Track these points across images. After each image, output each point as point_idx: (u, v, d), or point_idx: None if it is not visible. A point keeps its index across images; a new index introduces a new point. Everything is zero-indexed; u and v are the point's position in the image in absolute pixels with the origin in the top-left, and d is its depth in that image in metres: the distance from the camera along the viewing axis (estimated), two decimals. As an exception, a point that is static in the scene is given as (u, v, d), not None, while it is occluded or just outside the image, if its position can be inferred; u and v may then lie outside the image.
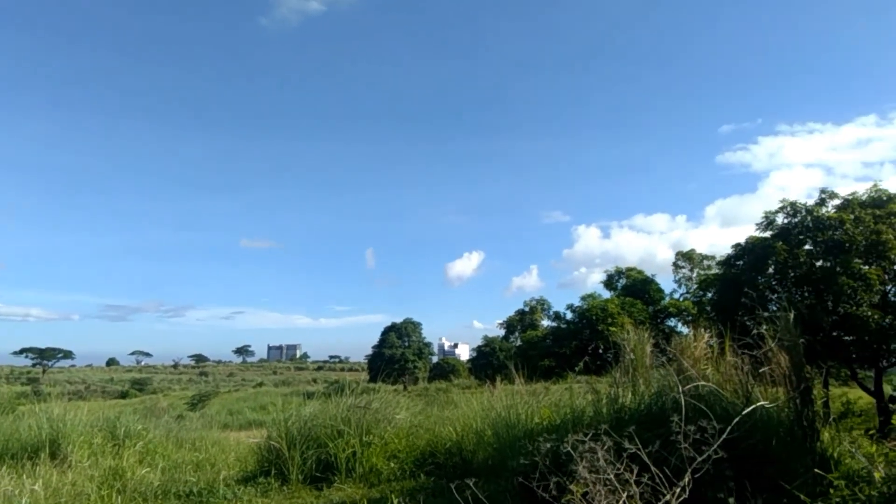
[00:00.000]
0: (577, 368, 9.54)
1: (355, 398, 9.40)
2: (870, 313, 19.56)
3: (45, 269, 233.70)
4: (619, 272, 62.09)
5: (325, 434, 8.64)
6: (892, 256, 20.31)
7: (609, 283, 62.10)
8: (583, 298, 57.05)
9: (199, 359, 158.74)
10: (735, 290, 21.71)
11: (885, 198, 21.83)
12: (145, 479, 8.11)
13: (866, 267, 20.48)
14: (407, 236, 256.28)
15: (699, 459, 4.37)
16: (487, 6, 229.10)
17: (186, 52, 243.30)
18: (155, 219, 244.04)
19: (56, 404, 10.72)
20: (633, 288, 58.04)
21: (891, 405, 17.95)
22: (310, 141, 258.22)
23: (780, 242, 21.56)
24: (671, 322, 54.47)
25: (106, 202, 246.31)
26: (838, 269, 20.34)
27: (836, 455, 5.34)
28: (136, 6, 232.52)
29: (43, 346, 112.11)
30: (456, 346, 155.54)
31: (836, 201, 22.47)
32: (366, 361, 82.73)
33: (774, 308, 18.86)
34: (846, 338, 20.69)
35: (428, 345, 78.05)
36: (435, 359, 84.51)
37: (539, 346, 55.51)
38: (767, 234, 23.06)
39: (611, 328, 44.64)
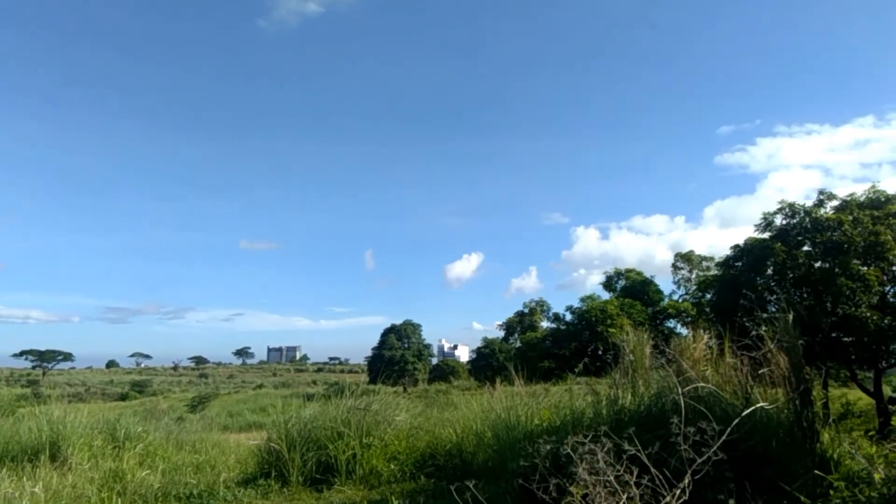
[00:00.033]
0: (576, 370, 9.54)
1: (355, 400, 9.40)
2: (869, 314, 19.58)
3: (44, 271, 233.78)
4: (619, 273, 62.21)
5: (325, 436, 8.64)
6: (891, 257, 20.34)
7: (608, 284, 62.23)
8: (582, 300, 57.25)
9: (199, 361, 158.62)
10: (734, 292, 21.74)
11: (883, 199, 21.87)
12: (145, 482, 8.10)
13: (865, 268, 20.50)
14: (406, 237, 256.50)
15: (699, 461, 4.38)
16: (487, 6, 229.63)
17: (186, 54, 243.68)
18: (154, 220, 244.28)
19: (56, 406, 10.71)
20: (633, 289, 58.12)
21: (890, 406, 17.97)
22: (309, 142, 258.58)
23: (779, 244, 21.58)
24: (670, 323, 54.57)
25: (105, 203, 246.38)
26: (837, 270, 20.37)
27: (835, 456, 5.35)
28: (136, 7, 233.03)
29: (43, 348, 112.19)
30: (455, 347, 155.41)
31: (835, 202, 22.51)
32: (365, 363, 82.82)
33: (773, 309, 18.90)
34: (845, 339, 20.70)
35: (427, 346, 78.14)
36: (434, 360, 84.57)
37: (538, 347, 55.52)
38: (766, 235, 23.09)
39: (610, 329, 44.68)
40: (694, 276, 57.63)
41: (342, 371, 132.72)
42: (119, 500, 7.48)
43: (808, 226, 21.87)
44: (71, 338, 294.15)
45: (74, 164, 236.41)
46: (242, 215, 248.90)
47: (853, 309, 19.81)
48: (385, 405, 9.61)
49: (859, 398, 21.87)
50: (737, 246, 24.22)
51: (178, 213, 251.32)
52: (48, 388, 62.74)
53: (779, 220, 23.00)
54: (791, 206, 22.71)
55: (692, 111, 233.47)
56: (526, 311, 69.78)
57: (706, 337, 7.03)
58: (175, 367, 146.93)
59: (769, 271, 22.29)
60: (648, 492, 4.26)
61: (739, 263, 23.75)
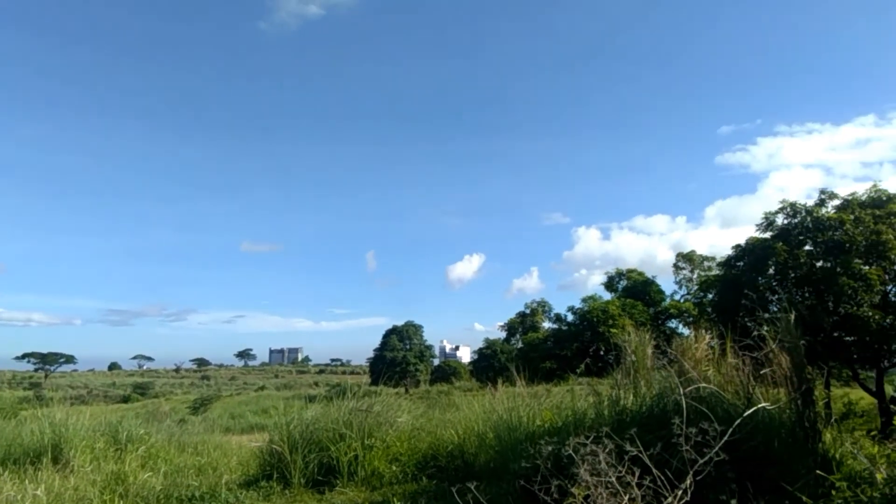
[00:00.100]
0: (578, 370, 9.52)
1: (357, 401, 9.40)
2: (870, 313, 19.55)
3: (46, 273, 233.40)
4: (620, 274, 62.24)
5: (327, 437, 8.64)
6: (893, 256, 20.31)
7: (610, 284, 62.27)
8: (583, 300, 57.34)
9: (201, 363, 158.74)
10: (735, 292, 21.72)
11: (884, 198, 21.84)
12: (147, 484, 8.11)
13: (866, 267, 20.48)
14: (407, 238, 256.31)
15: (701, 461, 4.38)
16: (486, 7, 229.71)
17: (187, 55, 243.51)
18: (155, 221, 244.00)
19: (58, 409, 10.71)
20: (634, 289, 58.13)
21: (892, 406, 17.95)
22: (310, 142, 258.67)
23: (781, 243, 21.56)
24: (672, 323, 54.59)
25: (107, 205, 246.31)
26: (839, 269, 20.34)
27: (837, 456, 5.34)
28: (136, 8, 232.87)
29: (45, 350, 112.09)
30: (457, 348, 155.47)
31: (836, 202, 22.48)
32: (367, 364, 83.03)
33: (775, 309, 18.86)
34: (847, 338, 20.68)
35: (429, 347, 78.15)
36: (436, 361, 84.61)
37: (540, 348, 55.55)
38: (767, 234, 23.07)
39: (612, 330, 44.67)
40: (695, 276, 57.68)
41: (344, 372, 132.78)
42: (121, 502, 7.49)
43: (810, 225, 21.85)
44: (73, 340, 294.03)
45: (75, 166, 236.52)
46: (243, 217, 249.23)
47: (855, 308, 19.78)
48: (387, 406, 9.61)
49: (861, 398, 21.90)
50: (738, 246, 24.21)
51: (178, 214, 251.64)
52: (50, 391, 62.85)
53: (780, 220, 22.98)
54: (792, 205, 22.69)
55: (693, 111, 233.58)
56: (527, 311, 69.82)
57: (708, 337, 7.02)
58: (177, 369, 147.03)
59: (771, 271, 22.27)
60: (650, 493, 4.26)
61: (741, 263, 23.73)
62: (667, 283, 72.20)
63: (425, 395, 40.66)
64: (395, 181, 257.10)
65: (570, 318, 56.74)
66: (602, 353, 48.06)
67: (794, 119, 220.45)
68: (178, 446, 11.50)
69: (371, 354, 76.62)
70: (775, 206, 23.17)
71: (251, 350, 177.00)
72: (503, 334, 70.96)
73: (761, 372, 6.04)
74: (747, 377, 6.11)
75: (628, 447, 4.38)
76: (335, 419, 8.96)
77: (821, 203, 22.51)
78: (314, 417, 9.22)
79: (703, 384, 5.99)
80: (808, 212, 22.20)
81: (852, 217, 21.07)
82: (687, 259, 60.74)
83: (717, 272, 30.64)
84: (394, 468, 8.35)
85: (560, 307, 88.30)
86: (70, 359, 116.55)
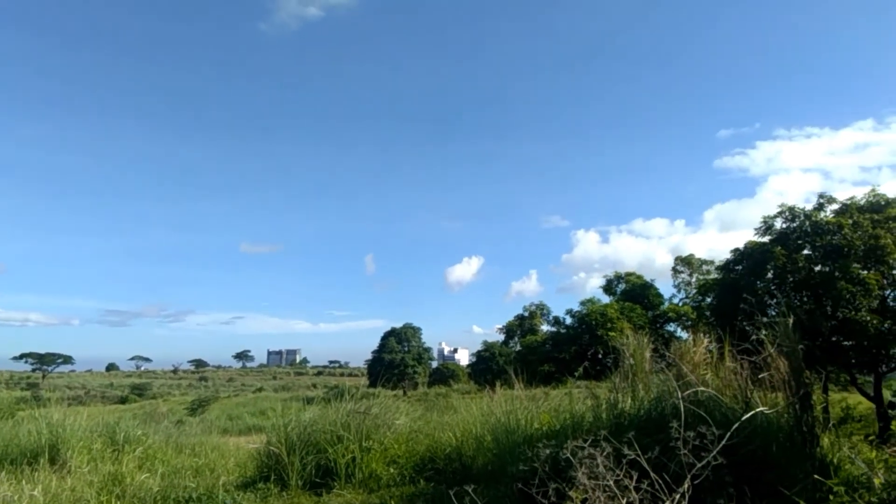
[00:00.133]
0: (576, 373, 9.56)
1: (355, 403, 9.40)
2: (869, 318, 19.55)
3: (44, 274, 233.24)
4: (619, 277, 62.25)
5: (325, 439, 8.64)
6: (891, 261, 20.31)
7: (608, 287, 62.28)
8: (582, 303, 57.15)
9: (199, 364, 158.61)
10: (734, 295, 21.72)
11: (883, 202, 21.86)
12: (145, 485, 8.10)
13: (865, 272, 20.48)
14: (406, 240, 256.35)
15: (699, 465, 4.38)
16: (486, 9, 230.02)
17: (187, 56, 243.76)
18: (154, 222, 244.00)
19: (55, 409, 10.71)
20: (633, 293, 58.12)
21: (890, 411, 17.96)
22: (309, 144, 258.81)
23: (779, 247, 21.56)
24: (670, 327, 54.48)
25: (105, 205, 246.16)
26: (837, 273, 20.34)
27: (835, 461, 5.34)
28: (136, 9, 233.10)
29: (43, 351, 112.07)
30: (455, 350, 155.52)
31: (835, 206, 22.48)
32: (365, 366, 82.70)
33: (773, 313, 18.89)
34: (845, 343, 20.66)
35: (427, 350, 78.08)
36: (434, 364, 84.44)
37: (538, 351, 55.47)
38: (766, 238, 23.06)
39: (610, 333, 44.62)
40: (694, 279, 57.66)
41: (342, 374, 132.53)
42: (118, 503, 7.48)
43: (808, 229, 21.85)
44: (71, 341, 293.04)
45: (75, 166, 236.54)
46: (242, 217, 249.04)
47: (853, 313, 19.78)
48: (385, 409, 9.60)
49: (859, 402, 21.87)
50: (737, 249, 24.19)
51: (177, 214, 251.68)
52: (48, 391, 62.74)
53: (779, 224, 22.98)
54: (791, 209, 22.70)
55: (692, 114, 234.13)
56: (526, 314, 69.74)
57: (706, 341, 7.04)
58: (175, 371, 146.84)
59: (769, 275, 22.26)
60: (648, 496, 4.26)
61: (739, 267, 23.72)
62: (665, 287, 72.43)
63: (423, 397, 40.65)
64: (394, 183, 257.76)
65: (568, 321, 56.66)
66: (600, 356, 48.08)
67: (793, 123, 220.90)
68: (175, 447, 11.49)
69: (369, 356, 76.50)
70: (774, 210, 23.17)
71: (249, 351, 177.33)
72: (501, 337, 70.93)
73: (759, 376, 6.05)
74: (745, 381, 6.11)
75: (626, 451, 4.38)
76: (333, 421, 8.96)
77: (819, 207, 22.52)
78: (312, 419, 9.21)
79: (702, 388, 5.99)
80: (807, 216, 22.20)
81: (851, 221, 21.08)
82: (685, 263, 60.72)
83: (716, 276, 30.62)
84: (391, 470, 8.34)
85: (558, 310, 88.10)
86: (68, 359, 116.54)
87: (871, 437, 6.83)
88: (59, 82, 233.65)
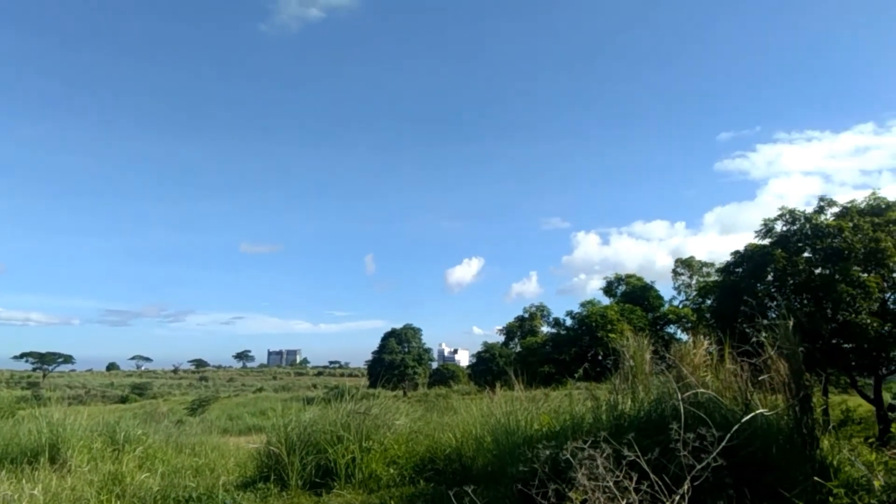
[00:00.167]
0: (576, 375, 9.56)
1: (355, 404, 9.41)
2: (869, 321, 19.55)
3: (45, 273, 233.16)
4: (619, 279, 62.25)
5: (325, 439, 8.64)
6: (891, 264, 20.32)
7: (608, 289, 62.28)
8: (582, 305, 57.18)
9: (200, 364, 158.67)
10: (734, 298, 21.70)
11: (883, 206, 21.86)
12: (145, 484, 8.10)
13: (865, 274, 20.48)
14: (406, 241, 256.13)
15: (698, 467, 4.38)
16: (486, 10, 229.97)
17: (187, 56, 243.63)
18: (154, 222, 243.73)
19: (56, 409, 10.72)
20: (633, 294, 58.11)
21: (890, 413, 17.96)
22: (310, 144, 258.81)
23: (779, 250, 21.57)
24: (670, 329, 54.51)
25: (106, 205, 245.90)
26: (837, 276, 20.34)
27: (835, 463, 5.35)
28: (137, 10, 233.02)
29: (43, 350, 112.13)
30: (456, 351, 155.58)
31: (835, 209, 22.49)
32: (366, 367, 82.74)
33: (773, 315, 18.88)
34: (845, 345, 20.66)
35: (428, 350, 78.09)
36: (435, 364, 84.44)
37: (538, 352, 55.49)
38: (766, 241, 23.07)
39: (610, 335, 44.62)
40: (694, 281, 57.74)
41: (342, 375, 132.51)
42: (118, 502, 7.48)
43: (809, 232, 21.86)
44: (71, 340, 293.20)
45: (75, 166, 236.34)
46: (242, 217, 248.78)
47: (853, 315, 19.78)
48: (385, 409, 9.61)
49: (859, 405, 21.86)
50: (737, 252, 24.20)
51: (177, 214, 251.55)
52: (48, 391, 62.75)
53: (779, 227, 22.99)
54: (791, 212, 22.71)
55: (692, 116, 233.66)
56: (526, 315, 69.73)
57: (706, 343, 7.04)
58: (175, 370, 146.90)
59: (769, 277, 22.27)
60: (648, 498, 4.27)
61: (740, 269, 23.73)
62: (665, 289, 72.50)
63: (423, 398, 40.65)
64: (394, 183, 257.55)
65: (568, 322, 56.68)
66: (600, 357, 48.06)
67: (794, 126, 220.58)
68: (175, 447, 11.49)
69: (369, 357, 76.50)
70: (774, 213, 23.17)
71: (250, 351, 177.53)
72: (502, 338, 70.86)
73: (759, 378, 6.05)
74: (745, 383, 6.12)
75: (626, 452, 4.38)
76: (333, 421, 8.97)
77: (820, 210, 22.52)
78: (312, 419, 9.22)
79: (702, 390, 5.99)
80: (807, 219, 22.21)
81: (851, 224, 21.08)
82: (686, 265, 60.78)
83: (716, 278, 30.66)
84: (391, 471, 8.35)
85: (559, 311, 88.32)
86: (68, 359, 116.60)
87: (871, 440, 6.85)
88: (59, 82, 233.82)
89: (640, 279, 61.10)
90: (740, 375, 6.22)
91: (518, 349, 64.32)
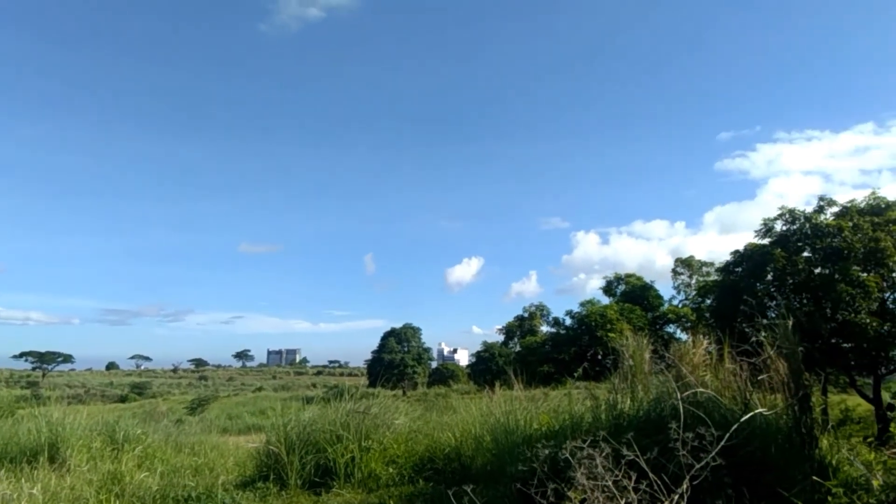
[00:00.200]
0: (575, 374, 9.58)
1: (354, 403, 9.40)
2: (868, 320, 19.55)
3: (44, 273, 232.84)
4: (618, 278, 62.30)
5: (324, 439, 8.64)
6: (891, 264, 20.32)
7: (608, 289, 62.33)
8: (582, 304, 57.27)
9: (199, 363, 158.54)
10: (734, 297, 21.70)
11: (883, 205, 21.86)
12: (144, 484, 8.10)
13: (865, 274, 20.49)
14: (406, 240, 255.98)
15: (697, 466, 4.39)
16: (486, 9, 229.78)
17: (186, 56, 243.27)
18: (154, 221, 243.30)
19: (55, 408, 10.72)
20: (632, 294, 58.15)
21: (889, 412, 17.96)
22: (310, 144, 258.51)
23: (779, 249, 21.57)
24: (670, 328, 54.55)
25: (106, 205, 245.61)
26: (837, 276, 20.34)
27: (834, 462, 5.35)
28: (136, 10, 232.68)
29: (43, 349, 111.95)
30: (455, 351, 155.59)
31: (835, 208, 22.49)
32: (365, 366, 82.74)
33: (773, 315, 18.90)
34: (844, 345, 20.66)
35: (427, 350, 78.10)
36: (434, 364, 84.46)
37: (538, 351, 55.53)
38: (766, 241, 23.06)
39: (610, 334, 44.63)
40: (694, 281, 57.73)
41: (342, 374, 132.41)
42: (117, 502, 7.48)
43: (808, 232, 21.86)
44: (71, 339, 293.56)
45: (74, 166, 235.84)
46: (242, 217, 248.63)
47: (853, 315, 19.79)
48: (384, 408, 9.61)
49: (858, 404, 21.88)
50: (737, 251, 24.19)
51: (177, 214, 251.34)
52: (48, 390, 62.67)
53: (779, 226, 22.98)
54: (791, 211, 22.70)
55: (692, 116, 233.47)
56: (526, 315, 69.81)
57: (706, 342, 7.04)
58: (175, 370, 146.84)
59: (769, 277, 22.27)
60: (647, 497, 4.27)
61: (739, 269, 23.73)
62: (665, 289, 72.57)
63: (423, 397, 40.66)
64: (394, 183, 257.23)
65: (568, 322, 56.73)
66: (600, 357, 48.10)
67: (794, 126, 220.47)
68: (174, 446, 11.49)
69: (369, 356, 76.54)
70: (774, 213, 23.14)
71: (249, 351, 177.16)
72: (501, 338, 71.00)
73: (759, 378, 6.05)
74: (745, 383, 6.12)
75: (625, 451, 4.39)
76: (332, 421, 8.96)
77: (819, 210, 22.52)
78: (311, 419, 9.21)
79: (701, 389, 5.99)
80: (807, 218, 22.21)
81: (851, 224, 21.08)
82: (685, 264, 60.77)
83: (716, 278, 30.65)
84: (391, 470, 8.34)
85: (558, 311, 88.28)
86: (68, 358, 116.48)
87: (869, 439, 6.86)
88: (59, 82, 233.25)
89: (639, 279, 61.15)
90: (739, 375, 6.23)
91: (517, 349, 64.39)
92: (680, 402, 5.35)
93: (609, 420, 6.69)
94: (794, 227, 22.45)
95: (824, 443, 5.66)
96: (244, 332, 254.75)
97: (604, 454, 4.36)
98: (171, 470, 9.30)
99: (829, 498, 4.34)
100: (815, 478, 4.77)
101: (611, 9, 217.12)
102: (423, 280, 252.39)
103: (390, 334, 74.93)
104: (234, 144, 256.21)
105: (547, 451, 4.97)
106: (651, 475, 4.32)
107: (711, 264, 53.83)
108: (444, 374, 75.25)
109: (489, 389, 10.40)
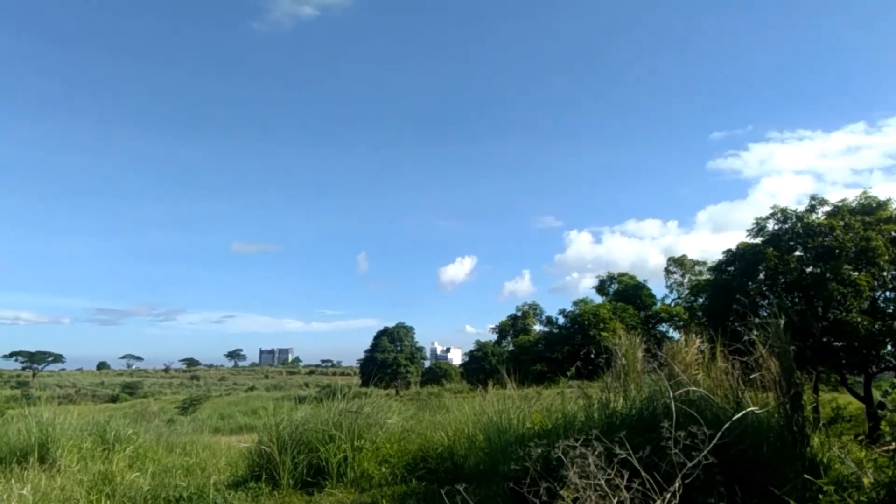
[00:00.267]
0: (568, 373, 9.53)
1: (347, 402, 9.37)
2: (859, 319, 19.69)
3: (35, 272, 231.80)
4: (611, 277, 62.46)
5: (317, 438, 8.61)
6: (881, 263, 20.47)
7: (601, 288, 62.45)
8: (575, 303, 57.34)
9: (191, 363, 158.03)
10: (726, 296, 21.81)
11: (874, 205, 22.03)
12: (135, 484, 8.05)
13: (856, 273, 20.63)
14: (400, 240, 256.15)
15: (689, 465, 4.39)
16: (484, 9, 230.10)
17: (180, 55, 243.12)
18: (146, 221, 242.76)
19: (46, 408, 10.64)
20: (625, 293, 58.32)
21: (879, 411, 18.08)
22: (304, 144, 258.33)
23: (771, 248, 21.70)
24: (663, 327, 54.79)
25: (97, 205, 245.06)
26: (828, 275, 20.47)
27: (825, 460, 5.36)
28: (131, 10, 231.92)
29: (33, 349, 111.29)
30: (448, 350, 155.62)
31: (827, 208, 22.65)
32: (358, 366, 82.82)
33: (765, 314, 18.99)
34: (836, 343, 20.81)
35: (420, 349, 78.07)
36: (427, 363, 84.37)
37: (531, 350, 55.58)
38: (758, 240, 23.21)
39: (602, 333, 44.80)
40: (686, 280, 57.85)
41: (334, 373, 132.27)
42: (108, 502, 7.43)
43: (800, 231, 21.99)
44: (61, 339, 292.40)
45: (68, 166, 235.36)
46: (235, 217, 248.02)
47: (844, 314, 19.92)
48: (377, 408, 9.58)
49: (849, 402, 22.04)
50: (729, 251, 24.32)
51: (170, 214, 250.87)
52: (38, 390, 62.27)
53: (771, 226, 23.13)
54: (783, 211, 22.85)
55: (685, 116, 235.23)
56: (519, 314, 69.85)
57: (698, 341, 7.05)
58: (166, 369, 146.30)
59: (761, 276, 22.40)
60: (639, 495, 4.27)
61: (732, 268, 23.86)
62: (658, 287, 72.57)
63: (416, 396, 40.65)
64: (388, 183, 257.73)
65: (561, 321, 56.87)
66: (592, 356, 48.17)
67: (786, 126, 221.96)
68: (166, 446, 11.44)
69: (362, 356, 76.60)
70: (766, 212, 23.37)
71: (241, 350, 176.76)
72: (494, 337, 71.02)
73: (751, 376, 6.06)
74: (737, 381, 6.13)
75: (618, 450, 4.39)
76: (325, 420, 8.93)
77: (811, 209, 22.67)
78: (304, 418, 9.18)
79: (693, 388, 6.00)
80: (799, 218, 22.35)
81: (842, 223, 21.23)
82: (678, 263, 60.92)
83: (708, 277, 30.78)
84: (383, 470, 8.32)
85: (551, 310, 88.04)
86: (58, 358, 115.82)
87: (860, 437, 6.88)
88: (59, 82, 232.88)
89: (632, 278, 61.32)
90: (731, 373, 6.23)
91: (511, 347, 64.44)
92: (672, 401, 5.36)
93: (602, 419, 6.69)
94: (786, 226, 22.58)
95: (815, 441, 5.67)
96: (236, 331, 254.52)
97: (596, 453, 4.36)
98: (162, 470, 9.26)
99: (821, 496, 4.35)
100: (806, 476, 4.79)
101: (608, 10, 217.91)
102: (417, 279, 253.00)
103: (383, 333, 74.87)
104: (234, 144, 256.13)
105: (539, 450, 4.97)
106: (643, 474, 4.32)
107: (704, 263, 54.01)
108: (437, 373, 75.27)
109: (482, 388, 10.39)
